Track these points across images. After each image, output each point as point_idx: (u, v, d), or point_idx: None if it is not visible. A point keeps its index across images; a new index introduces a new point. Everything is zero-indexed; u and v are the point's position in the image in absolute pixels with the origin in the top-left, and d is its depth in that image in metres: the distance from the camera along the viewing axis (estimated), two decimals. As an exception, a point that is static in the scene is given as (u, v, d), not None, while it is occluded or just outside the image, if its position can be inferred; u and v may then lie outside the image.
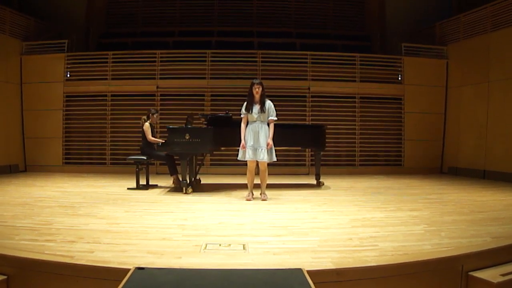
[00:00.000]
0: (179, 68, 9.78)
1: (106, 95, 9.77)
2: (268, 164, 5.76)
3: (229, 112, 6.65)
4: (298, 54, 10.12)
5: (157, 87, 9.75)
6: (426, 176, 9.26)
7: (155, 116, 7.23)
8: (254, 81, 5.74)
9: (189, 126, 6.83)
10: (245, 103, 5.73)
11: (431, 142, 10.15)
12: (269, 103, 5.70)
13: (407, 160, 10.07)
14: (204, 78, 9.83)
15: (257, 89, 5.63)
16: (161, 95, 9.78)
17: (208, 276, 2.59)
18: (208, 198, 5.99)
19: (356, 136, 9.99)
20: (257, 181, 5.87)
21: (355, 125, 9.99)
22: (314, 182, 7.40)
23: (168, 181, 7.44)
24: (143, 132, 7.02)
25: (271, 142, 5.61)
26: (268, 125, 5.69)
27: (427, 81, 10.11)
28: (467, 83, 9.54)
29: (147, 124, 7.02)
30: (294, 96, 9.87)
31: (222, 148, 7.42)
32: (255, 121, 5.66)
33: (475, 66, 9.28)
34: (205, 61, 9.85)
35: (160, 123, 7.47)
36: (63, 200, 5.49)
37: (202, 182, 7.65)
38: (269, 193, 5.98)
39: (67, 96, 9.78)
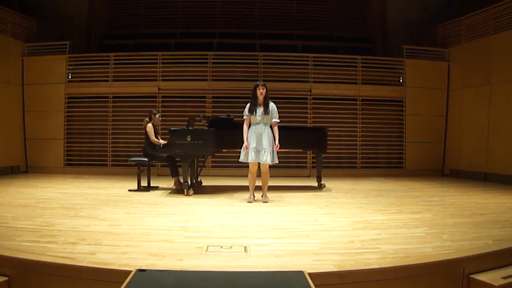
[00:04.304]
0: (180, 70, 9.80)
1: (107, 97, 9.79)
2: (270, 166, 5.77)
3: (231, 114, 6.65)
4: (300, 56, 10.13)
5: (159, 89, 9.76)
6: (428, 178, 9.25)
7: (157, 117, 7.24)
8: (258, 82, 5.74)
9: (190, 128, 6.85)
10: (248, 105, 5.72)
11: (433, 144, 10.14)
12: (272, 105, 5.71)
13: (408, 162, 10.06)
14: (206, 80, 9.84)
15: (261, 90, 5.63)
16: (162, 96, 9.79)
17: (210, 278, 2.59)
18: (210, 200, 5.99)
19: (358, 138, 9.99)
20: (258, 183, 5.87)
21: (356, 127, 9.99)
22: (316, 184, 7.40)
23: (169, 183, 7.44)
24: (145, 133, 7.03)
25: (279, 145, 5.62)
26: (271, 127, 5.70)
27: (429, 83, 10.11)
28: (469, 85, 9.54)
29: (149, 125, 7.03)
30: (296, 98, 9.88)
31: (224, 150, 7.42)
32: (258, 123, 5.66)
33: (477, 69, 9.28)
34: (206, 63, 9.87)
35: (162, 124, 7.50)
36: (65, 202, 5.49)
37: (203, 184, 7.66)
38: (271, 195, 5.98)
39: (68, 98, 9.80)
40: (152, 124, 7.09)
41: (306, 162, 9.94)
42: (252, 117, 5.68)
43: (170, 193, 6.66)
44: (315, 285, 2.45)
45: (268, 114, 5.63)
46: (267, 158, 5.58)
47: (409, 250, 3.28)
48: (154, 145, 6.97)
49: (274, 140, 5.66)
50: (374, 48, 11.49)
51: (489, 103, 8.92)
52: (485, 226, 4.22)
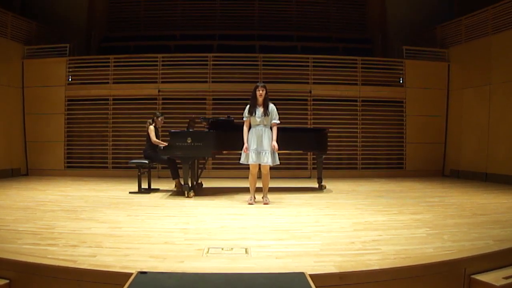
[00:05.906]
0: (180, 72, 9.80)
1: (107, 99, 9.79)
2: (270, 168, 5.77)
3: (231, 116, 6.66)
4: (300, 58, 10.13)
5: (159, 91, 9.77)
6: (428, 179, 9.25)
7: (159, 119, 7.24)
8: (258, 84, 5.75)
9: (191, 130, 6.85)
10: (248, 106, 5.72)
11: (433, 145, 10.14)
12: (272, 107, 5.71)
13: (408, 163, 10.06)
14: (206, 81, 9.85)
15: (261, 92, 5.63)
16: (163, 98, 9.79)
17: (211, 280, 2.59)
18: (210, 202, 5.98)
19: (358, 139, 9.99)
20: (258, 184, 5.87)
21: (356, 128, 9.99)
22: (316, 185, 7.40)
23: (170, 185, 7.44)
24: (147, 135, 7.04)
25: (276, 144, 5.61)
26: (271, 128, 5.70)
27: (429, 84, 10.11)
28: (469, 86, 9.54)
29: (151, 127, 7.04)
30: (296, 99, 9.88)
31: (224, 152, 7.42)
32: (258, 125, 5.65)
33: (477, 69, 9.28)
34: (206, 64, 9.88)
35: (162, 126, 7.51)
36: (65, 204, 5.49)
37: (204, 186, 7.65)
38: (271, 196, 5.98)
39: (69, 100, 9.80)
40: (154, 126, 7.10)
41: (306, 164, 9.94)
42: (252, 119, 5.67)
43: (170, 195, 6.66)
44: (316, 286, 2.45)
45: (268, 115, 5.63)
46: (268, 159, 5.58)
47: (410, 251, 3.28)
48: (154, 147, 6.97)
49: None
50: (374, 48, 11.49)
51: (489, 103, 8.92)
52: (486, 226, 4.21)
